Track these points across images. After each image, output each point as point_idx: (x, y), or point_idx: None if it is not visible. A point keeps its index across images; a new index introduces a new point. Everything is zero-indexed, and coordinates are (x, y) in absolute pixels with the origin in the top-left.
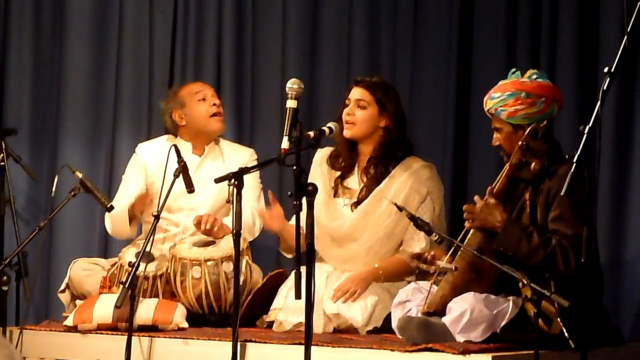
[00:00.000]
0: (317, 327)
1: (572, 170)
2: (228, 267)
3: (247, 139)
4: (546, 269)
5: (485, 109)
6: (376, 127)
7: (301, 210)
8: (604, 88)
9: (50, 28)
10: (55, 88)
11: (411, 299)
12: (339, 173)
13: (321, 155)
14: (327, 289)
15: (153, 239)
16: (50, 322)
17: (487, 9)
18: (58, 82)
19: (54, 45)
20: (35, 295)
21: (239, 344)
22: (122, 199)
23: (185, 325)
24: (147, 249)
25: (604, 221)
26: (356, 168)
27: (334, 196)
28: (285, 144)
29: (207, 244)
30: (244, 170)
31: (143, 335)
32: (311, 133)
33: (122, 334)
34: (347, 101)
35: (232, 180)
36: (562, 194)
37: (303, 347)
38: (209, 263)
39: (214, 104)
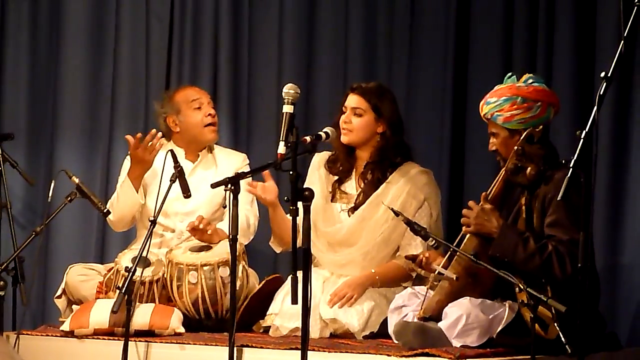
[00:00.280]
0: (314, 332)
1: (568, 175)
2: (224, 272)
3: (244, 144)
4: (542, 274)
5: (482, 114)
6: (373, 133)
7: (297, 215)
8: (601, 93)
9: (47, 33)
10: (51, 93)
11: (407, 304)
12: (336, 177)
13: (319, 159)
14: (323, 294)
15: (149, 244)
16: (47, 327)
17: (484, 14)
18: (55, 87)
19: (50, 50)
20: (32, 301)
21: (235, 349)
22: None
23: (182, 330)
24: (144, 254)
25: (600, 226)
26: (354, 173)
27: (331, 201)
28: (281, 149)
29: (203, 249)
30: (240, 175)
31: (140, 340)
32: (308, 138)
33: (118, 339)
34: (343, 108)
35: (229, 185)
36: (558, 199)
37: (299, 352)
38: (205, 268)
39: (209, 114)
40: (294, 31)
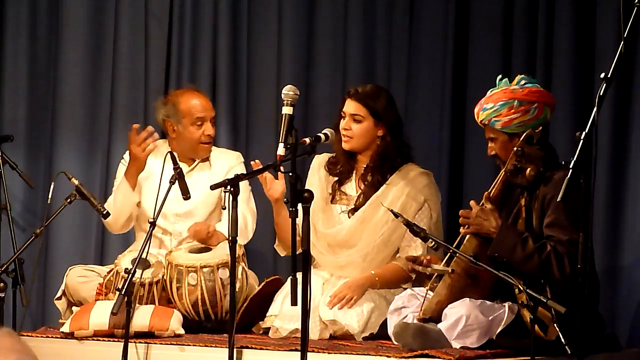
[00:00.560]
0: (313, 334)
1: (568, 177)
2: (224, 273)
3: (243, 146)
4: (541, 274)
5: (478, 121)
6: (374, 137)
7: (297, 217)
8: (601, 94)
9: (46, 35)
10: (51, 95)
11: (407, 305)
12: (336, 179)
13: (319, 161)
14: (323, 295)
15: (149, 245)
16: (46, 329)
17: (483, 15)
18: (54, 88)
19: (49, 52)
20: (32, 302)
21: (235, 350)
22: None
23: (182, 331)
24: (143, 256)
25: (600, 227)
26: (354, 174)
27: (331, 202)
28: (281, 150)
29: (202, 251)
30: (240, 177)
31: (139, 342)
32: (307, 139)
33: (118, 341)
34: (342, 113)
35: (228, 187)
36: (558, 200)
37: (299, 353)
38: (205, 269)
39: (208, 134)
40: (293, 33)
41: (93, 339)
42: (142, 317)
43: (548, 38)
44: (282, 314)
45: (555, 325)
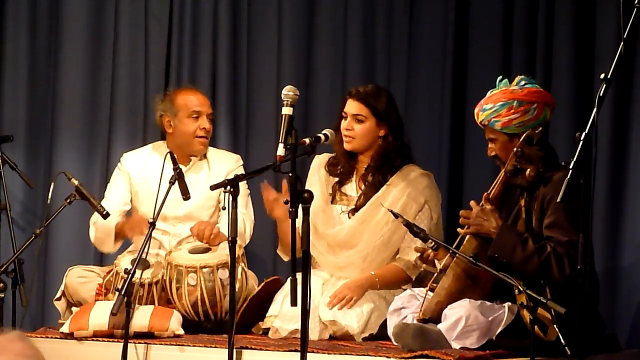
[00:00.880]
0: (313, 334)
1: (568, 177)
2: (224, 274)
3: (242, 146)
4: (541, 275)
5: (478, 121)
6: (375, 137)
7: (296, 217)
8: (600, 94)
9: (46, 35)
10: (51, 95)
11: (407, 306)
12: (336, 179)
13: (319, 161)
14: (323, 296)
15: (149, 246)
16: (46, 329)
17: (483, 16)
18: (54, 89)
19: (49, 53)
20: (32, 303)
21: (234, 350)
22: (111, 213)
23: (181, 332)
24: (143, 256)
25: (599, 228)
26: (354, 175)
27: (332, 203)
28: (280, 150)
29: (202, 251)
30: (239, 178)
31: (139, 342)
32: (307, 140)
33: (118, 341)
34: (343, 114)
35: (228, 188)
36: (558, 200)
37: (299, 354)
38: (204, 270)
39: (204, 128)
40: (293, 33)
41: (93, 340)
42: (142, 317)
43: (548, 38)
44: (282, 315)
45: (555, 325)
